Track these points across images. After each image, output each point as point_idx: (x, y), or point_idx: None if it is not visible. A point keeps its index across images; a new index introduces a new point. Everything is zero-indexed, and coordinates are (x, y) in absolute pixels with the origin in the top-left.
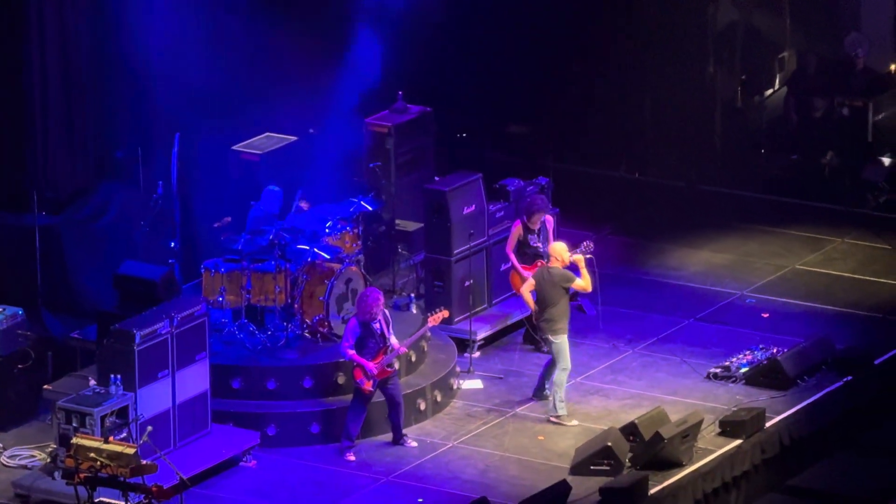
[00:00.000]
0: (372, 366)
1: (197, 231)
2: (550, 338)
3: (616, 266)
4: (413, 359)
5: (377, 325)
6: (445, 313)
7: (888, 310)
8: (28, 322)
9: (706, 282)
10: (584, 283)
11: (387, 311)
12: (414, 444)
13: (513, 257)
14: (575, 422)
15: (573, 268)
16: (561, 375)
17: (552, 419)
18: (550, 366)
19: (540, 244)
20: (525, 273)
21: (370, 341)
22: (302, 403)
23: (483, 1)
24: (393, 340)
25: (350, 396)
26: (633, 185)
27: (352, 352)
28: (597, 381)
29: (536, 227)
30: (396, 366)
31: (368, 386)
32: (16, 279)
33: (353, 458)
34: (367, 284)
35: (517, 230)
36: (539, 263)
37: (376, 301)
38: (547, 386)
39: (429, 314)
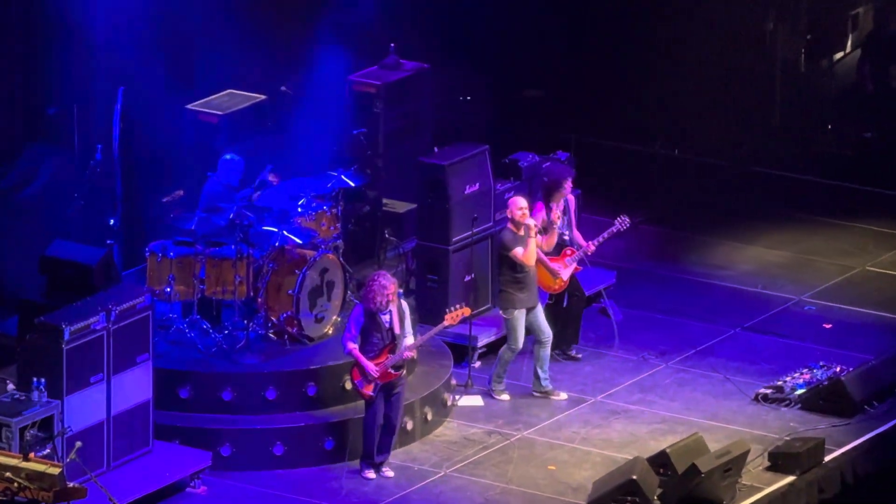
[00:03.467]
0: (372, 367)
1: (142, 206)
2: (501, 313)
3: (648, 261)
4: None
5: (385, 318)
6: (466, 311)
7: None
8: None
9: (757, 284)
10: (523, 254)
11: (404, 304)
12: (390, 473)
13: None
14: (506, 396)
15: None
16: (506, 353)
17: (492, 394)
18: (536, 348)
19: (565, 230)
20: (554, 266)
21: (374, 336)
22: (263, 419)
23: None
24: (408, 340)
25: (324, 410)
26: (672, 163)
27: (353, 345)
28: (621, 401)
29: (560, 206)
30: (403, 371)
31: (368, 391)
32: None
33: (371, 475)
34: (346, 276)
35: (540, 214)
36: (567, 253)
37: (382, 289)
38: (541, 374)
39: (447, 310)
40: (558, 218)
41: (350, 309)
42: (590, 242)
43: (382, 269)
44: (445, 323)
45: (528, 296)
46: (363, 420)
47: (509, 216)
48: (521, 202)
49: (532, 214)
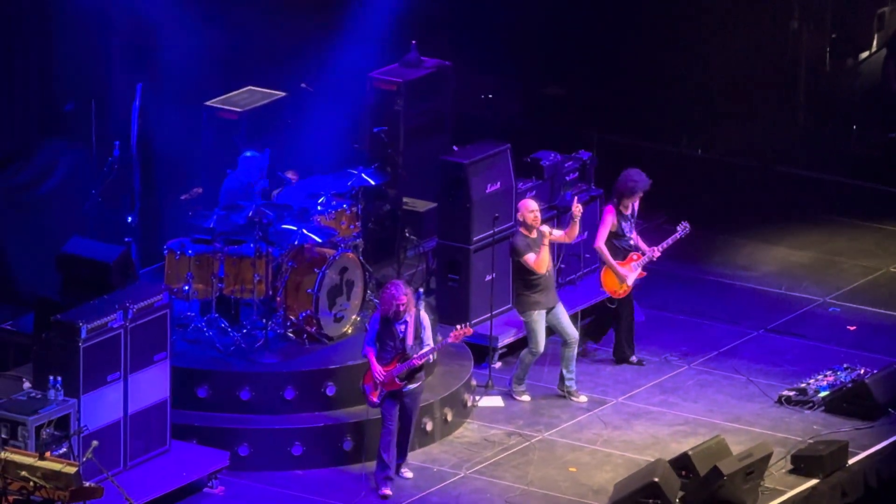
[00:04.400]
0: (380, 371)
1: (160, 204)
2: (520, 317)
3: (671, 262)
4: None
5: (401, 327)
6: (469, 331)
7: None
8: None
9: (780, 285)
10: (535, 260)
11: (424, 316)
12: (409, 475)
13: (606, 253)
14: (527, 397)
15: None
16: (527, 356)
17: (513, 394)
18: (562, 349)
19: (631, 235)
20: (622, 271)
21: (389, 342)
22: (282, 419)
23: None
24: (425, 349)
25: (342, 410)
26: (696, 163)
27: (370, 349)
28: (643, 403)
29: (629, 211)
30: (414, 385)
31: (374, 397)
32: None
33: (388, 492)
34: (365, 275)
35: (610, 218)
36: (633, 258)
37: (392, 299)
38: (566, 375)
39: (456, 327)
40: (579, 212)
41: (370, 309)
42: (654, 248)
43: (403, 267)
44: (449, 340)
45: (546, 297)
46: (380, 434)
47: (520, 219)
48: (531, 205)
49: (603, 215)
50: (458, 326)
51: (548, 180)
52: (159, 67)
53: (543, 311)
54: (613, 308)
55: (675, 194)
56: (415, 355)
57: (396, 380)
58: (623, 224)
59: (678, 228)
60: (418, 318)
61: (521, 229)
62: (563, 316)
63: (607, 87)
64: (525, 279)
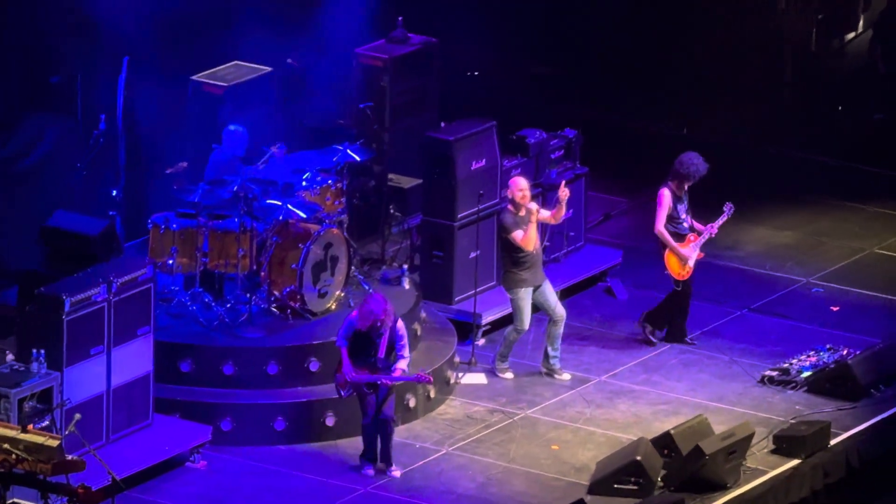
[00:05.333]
0: (350, 370)
1: (145, 178)
2: (506, 293)
3: (654, 241)
4: None
5: (377, 339)
6: (429, 385)
7: None
8: None
9: (764, 265)
10: (522, 238)
11: (401, 326)
12: (397, 473)
13: (667, 236)
14: (510, 375)
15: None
16: (511, 334)
17: (496, 372)
18: (548, 326)
19: (687, 218)
20: (683, 252)
21: (362, 351)
22: (265, 394)
23: None
24: (401, 364)
25: (325, 386)
26: (680, 142)
27: (343, 344)
28: (626, 381)
29: (683, 193)
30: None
31: (340, 388)
32: None
33: (371, 472)
34: (350, 251)
35: (667, 201)
36: (691, 239)
37: (370, 314)
38: (551, 352)
39: (422, 369)
40: (566, 195)
41: (354, 285)
42: (711, 226)
43: (387, 244)
44: (421, 379)
45: (533, 274)
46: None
47: (509, 196)
48: (521, 183)
49: (659, 199)
50: (423, 373)
51: (533, 158)
52: (145, 41)
53: (530, 289)
54: (679, 290)
55: (658, 173)
56: (384, 376)
57: (364, 387)
58: (679, 207)
59: (724, 208)
60: (394, 331)
61: (510, 206)
62: (549, 293)
63: (593, 67)
64: (512, 256)
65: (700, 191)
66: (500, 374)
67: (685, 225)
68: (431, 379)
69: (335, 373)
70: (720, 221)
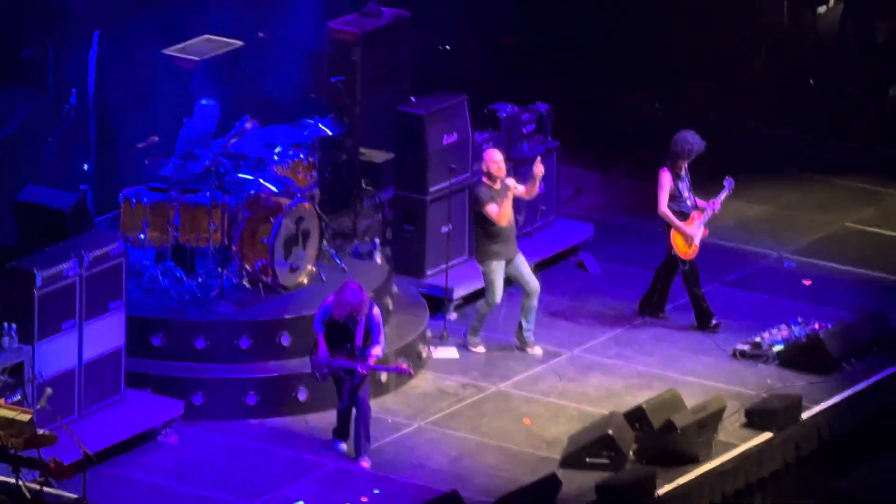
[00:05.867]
0: (324, 353)
1: (116, 152)
2: (479, 266)
3: (627, 215)
4: None
5: (353, 327)
6: (408, 372)
7: None
8: None
9: (736, 239)
10: (497, 212)
11: (377, 313)
12: (366, 464)
13: (671, 216)
14: (482, 349)
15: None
16: (483, 306)
17: (468, 346)
18: (522, 299)
19: (690, 196)
20: (689, 231)
21: (338, 337)
22: (237, 368)
23: None
24: (375, 350)
25: (297, 360)
26: (653, 116)
27: (320, 329)
28: (597, 355)
29: (683, 172)
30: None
31: (318, 372)
32: None
33: (343, 447)
34: (321, 225)
35: (667, 181)
36: (694, 217)
37: (346, 304)
38: (525, 325)
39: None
40: (540, 172)
41: (326, 259)
42: (713, 201)
43: (359, 218)
44: (401, 369)
45: (506, 247)
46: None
47: (484, 169)
48: (496, 155)
49: (660, 180)
50: (405, 364)
51: (504, 132)
52: (117, 15)
53: (503, 262)
54: (686, 269)
55: (632, 147)
56: (360, 364)
57: (341, 371)
58: (680, 185)
59: (725, 184)
60: (370, 318)
61: (485, 179)
62: (523, 266)
63: (566, 39)
64: (486, 229)
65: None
66: (472, 349)
67: (688, 203)
68: (412, 372)
69: (311, 356)
70: (721, 196)
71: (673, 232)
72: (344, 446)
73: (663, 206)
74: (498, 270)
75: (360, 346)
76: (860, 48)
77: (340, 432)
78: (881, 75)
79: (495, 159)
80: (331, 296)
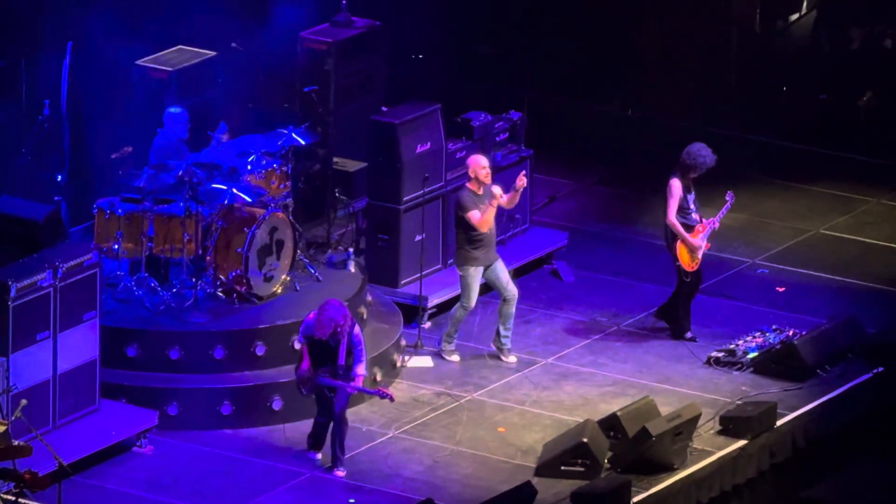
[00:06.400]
0: (307, 369)
1: (90, 163)
2: (457, 270)
3: (601, 223)
4: None
5: (340, 347)
6: (389, 396)
7: None
8: None
9: (711, 246)
10: (479, 219)
11: (358, 332)
12: (341, 473)
13: (679, 227)
14: (456, 357)
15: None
16: (458, 311)
17: (442, 354)
18: (500, 305)
19: (695, 210)
20: (694, 242)
21: (320, 355)
22: (211, 378)
23: None
24: (359, 368)
25: (272, 370)
26: (626, 123)
27: (304, 341)
28: (572, 364)
29: (690, 183)
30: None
31: (303, 386)
32: None
33: (319, 456)
34: (295, 235)
35: (677, 190)
36: (699, 230)
37: (330, 322)
38: (502, 332)
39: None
40: (523, 184)
41: (300, 269)
42: (713, 220)
43: (333, 227)
44: (384, 393)
45: (486, 254)
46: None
47: (471, 175)
48: (482, 161)
49: (670, 190)
50: (389, 389)
51: (478, 140)
52: (90, 26)
53: (481, 268)
54: (688, 281)
55: (605, 154)
56: (348, 385)
57: (326, 391)
58: (688, 197)
59: (726, 198)
60: (352, 336)
61: (469, 185)
62: (502, 272)
63: (538, 48)
64: (467, 234)
65: (643, 170)
66: (447, 357)
67: (694, 216)
68: (394, 396)
69: (296, 369)
70: (724, 211)
71: (679, 243)
72: (319, 456)
73: (672, 216)
74: (475, 276)
75: (343, 365)
76: (833, 55)
77: (316, 443)
78: (854, 82)
79: (482, 164)
80: (312, 313)
